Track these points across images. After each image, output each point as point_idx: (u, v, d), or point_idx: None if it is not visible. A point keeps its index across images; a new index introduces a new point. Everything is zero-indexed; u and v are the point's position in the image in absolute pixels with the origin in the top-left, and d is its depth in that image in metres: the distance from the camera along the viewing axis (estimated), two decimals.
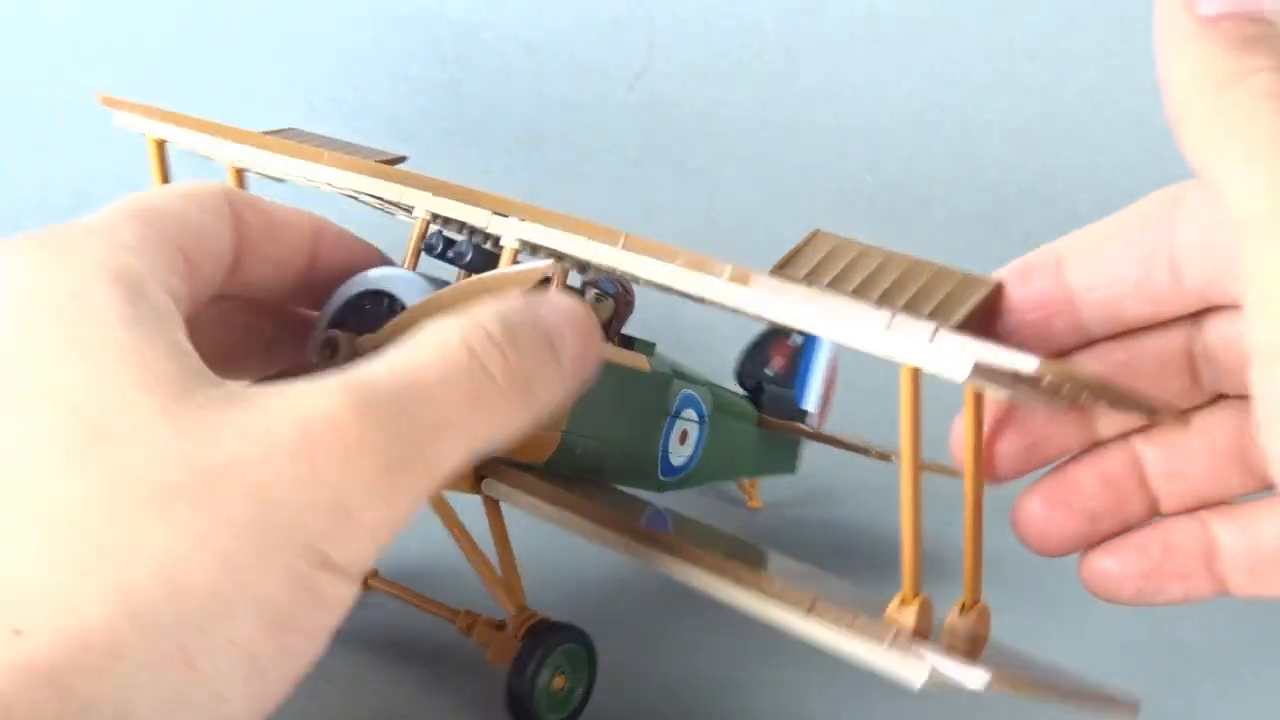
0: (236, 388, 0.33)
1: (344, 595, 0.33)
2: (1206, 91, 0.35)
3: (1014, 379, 0.35)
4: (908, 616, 0.39)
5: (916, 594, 0.39)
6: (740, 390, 0.61)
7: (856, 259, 0.41)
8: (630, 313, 0.51)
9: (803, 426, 0.61)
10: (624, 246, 0.42)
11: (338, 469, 0.32)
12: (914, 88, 0.93)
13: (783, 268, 0.42)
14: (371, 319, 0.45)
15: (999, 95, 0.93)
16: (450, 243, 0.48)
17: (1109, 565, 0.42)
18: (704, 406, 0.54)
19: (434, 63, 0.96)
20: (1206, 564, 0.41)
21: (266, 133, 0.54)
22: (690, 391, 0.53)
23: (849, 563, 0.59)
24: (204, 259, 0.39)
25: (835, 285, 0.40)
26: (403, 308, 0.44)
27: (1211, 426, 0.42)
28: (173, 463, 0.31)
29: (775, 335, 0.60)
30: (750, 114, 0.92)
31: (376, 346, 0.40)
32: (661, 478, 0.53)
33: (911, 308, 0.38)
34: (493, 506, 0.48)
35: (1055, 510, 0.42)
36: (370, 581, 0.53)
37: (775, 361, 0.60)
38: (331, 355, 0.43)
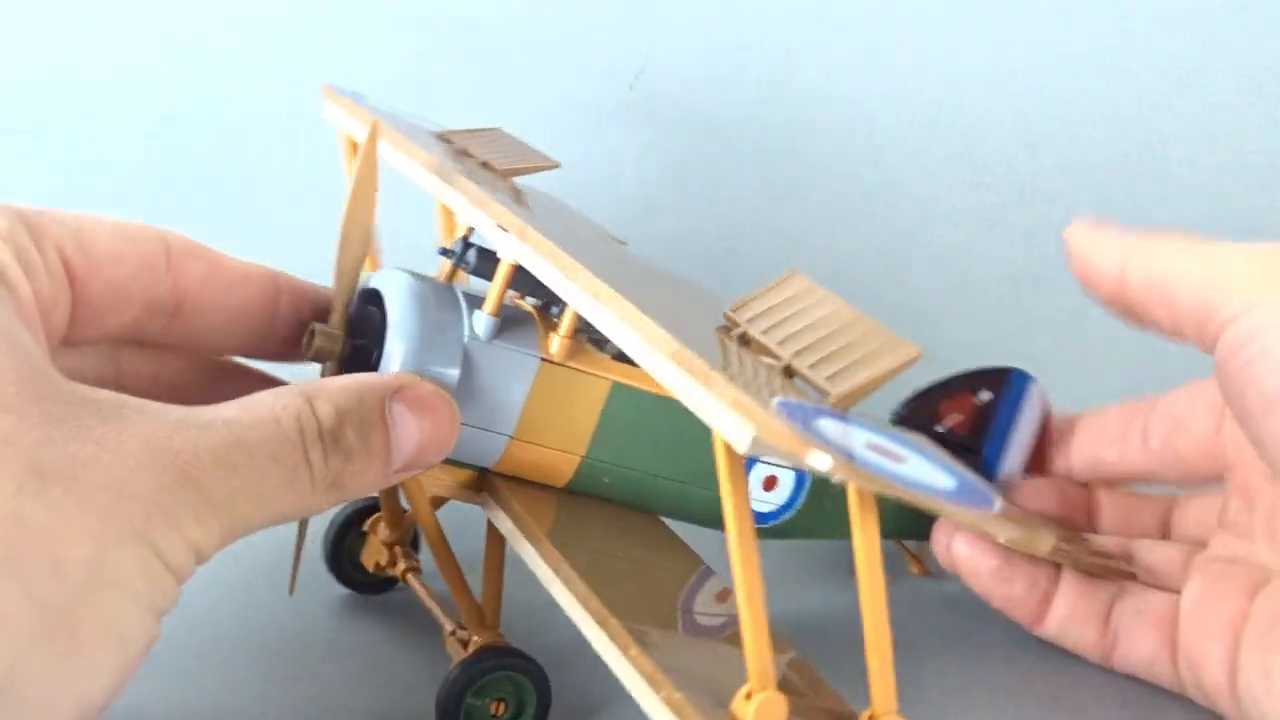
0: (87, 390, 0.36)
1: (171, 590, 0.36)
2: None
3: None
4: (747, 711, 0.36)
5: (765, 686, 0.36)
6: None
7: (810, 306, 0.42)
8: None
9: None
10: (599, 299, 0.41)
11: (168, 491, 0.35)
12: (914, 88, 0.93)
13: (740, 308, 0.44)
14: (367, 318, 0.46)
15: (999, 95, 0.93)
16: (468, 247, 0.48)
17: (961, 549, 0.50)
18: None
19: (434, 63, 0.96)
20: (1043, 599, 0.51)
21: (468, 131, 0.58)
22: None
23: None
24: (110, 283, 0.42)
25: (767, 333, 0.41)
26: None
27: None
28: (47, 446, 0.33)
29: (952, 387, 0.54)
30: (750, 114, 0.92)
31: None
32: None
33: (814, 368, 0.39)
34: (492, 525, 0.48)
35: (977, 545, 0.50)
36: (406, 575, 0.53)
37: (949, 418, 0.53)
38: (309, 346, 0.44)
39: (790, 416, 0.34)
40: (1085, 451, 0.54)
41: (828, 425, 0.34)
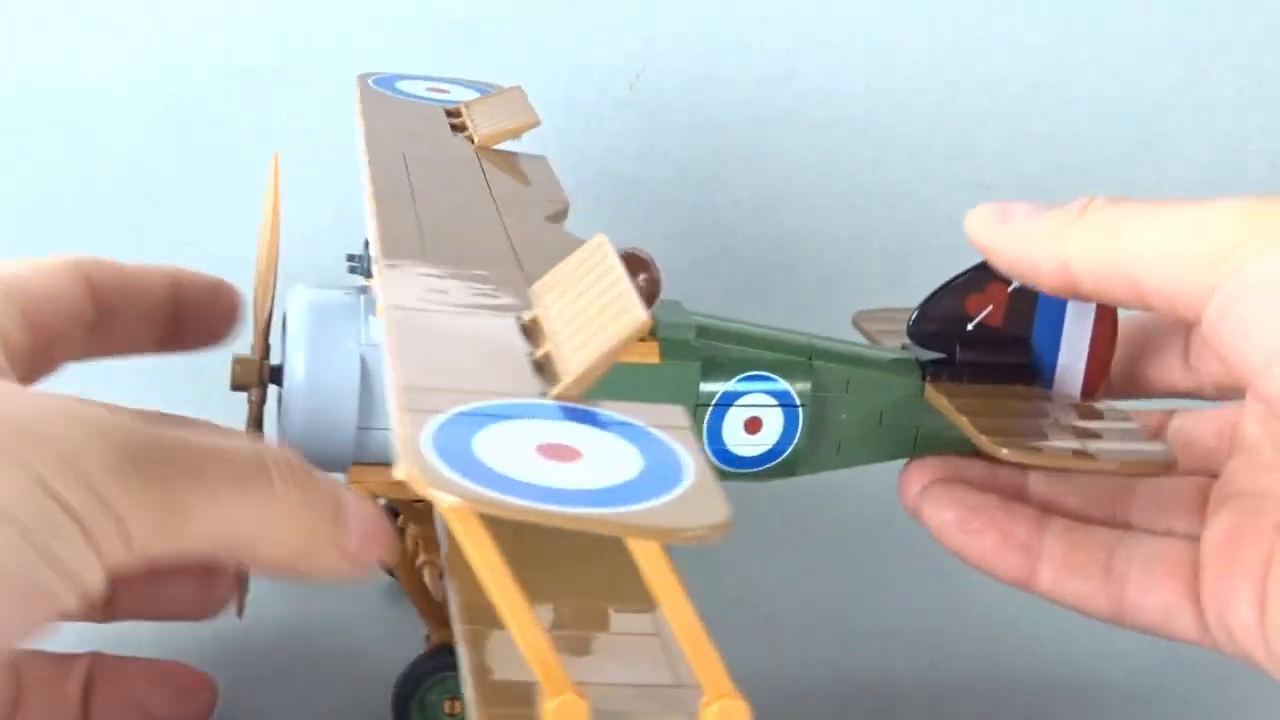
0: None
1: (65, 598, 0.32)
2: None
3: None
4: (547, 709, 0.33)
5: (721, 695, 0.34)
6: (887, 353, 0.51)
7: (595, 274, 0.40)
8: (643, 295, 0.49)
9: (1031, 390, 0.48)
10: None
11: (82, 441, 0.33)
12: (914, 87, 0.93)
13: (544, 286, 0.41)
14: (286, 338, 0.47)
15: (999, 95, 0.93)
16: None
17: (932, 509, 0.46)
18: (788, 389, 0.49)
19: (434, 63, 0.96)
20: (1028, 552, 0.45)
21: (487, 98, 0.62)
22: (761, 374, 0.48)
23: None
24: (52, 317, 0.43)
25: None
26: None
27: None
28: None
29: (979, 279, 0.48)
30: (750, 114, 0.92)
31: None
32: (732, 469, 0.49)
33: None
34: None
35: (937, 495, 0.46)
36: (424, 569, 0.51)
37: (982, 314, 0.47)
38: (232, 378, 0.48)
39: (443, 444, 0.31)
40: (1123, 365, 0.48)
41: (480, 440, 0.31)
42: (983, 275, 0.46)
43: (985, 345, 0.47)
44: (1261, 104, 0.94)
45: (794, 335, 0.50)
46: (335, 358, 0.47)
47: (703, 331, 0.48)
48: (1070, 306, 0.46)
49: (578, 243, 0.43)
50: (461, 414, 0.32)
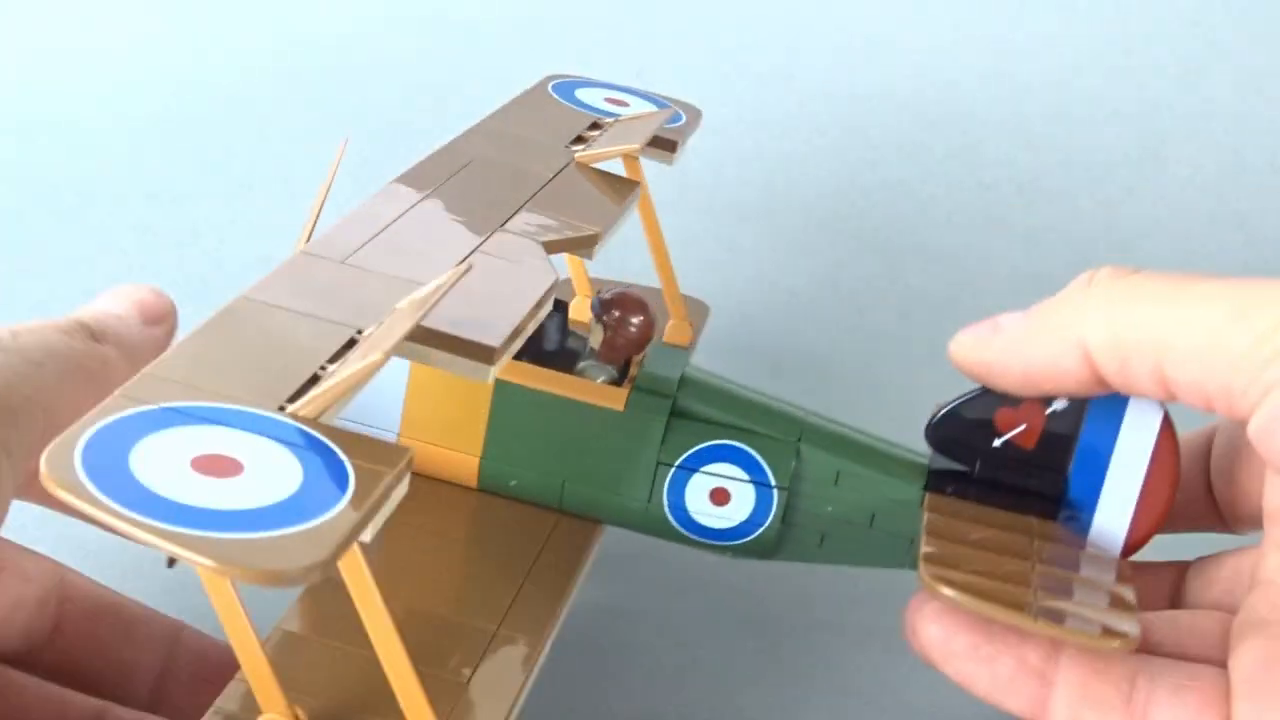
0: None
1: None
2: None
3: None
4: None
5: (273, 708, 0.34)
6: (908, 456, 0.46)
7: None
8: (632, 339, 0.47)
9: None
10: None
11: None
12: (914, 87, 0.93)
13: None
14: None
15: (999, 95, 0.93)
16: None
17: (934, 631, 0.39)
18: (762, 468, 0.46)
19: (434, 63, 0.96)
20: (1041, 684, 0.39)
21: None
22: (736, 445, 0.46)
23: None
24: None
25: None
26: None
27: None
28: None
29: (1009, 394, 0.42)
30: (750, 114, 0.92)
31: None
32: (694, 537, 0.47)
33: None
34: None
35: (948, 621, 0.39)
36: None
37: (1013, 433, 0.41)
38: None
39: (102, 443, 0.29)
40: None
41: (147, 444, 0.30)
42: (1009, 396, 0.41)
43: (1012, 467, 0.41)
44: (1261, 104, 0.94)
45: (791, 411, 0.47)
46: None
47: (686, 386, 0.46)
48: (1120, 450, 0.40)
49: (539, 274, 0.42)
50: (160, 410, 0.31)
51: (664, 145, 0.59)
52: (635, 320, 0.47)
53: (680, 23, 0.95)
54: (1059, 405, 0.40)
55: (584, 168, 0.53)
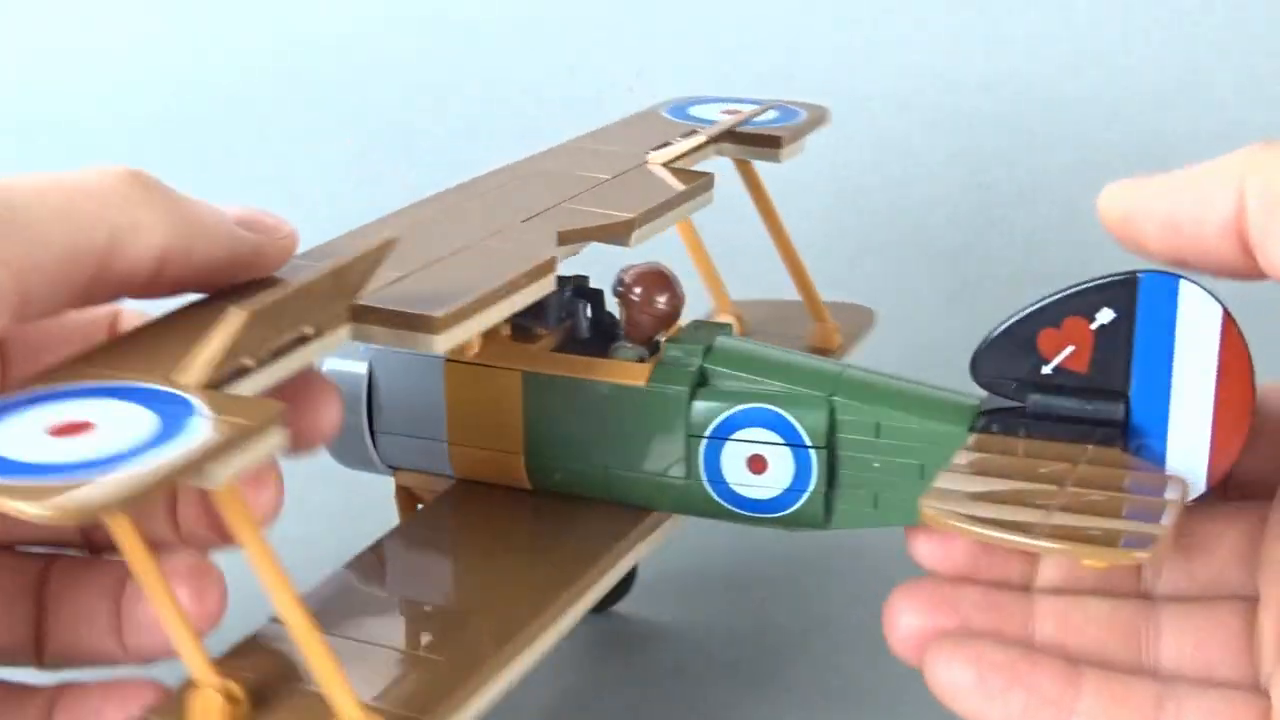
0: None
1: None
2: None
3: None
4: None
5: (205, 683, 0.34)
6: (965, 400, 0.42)
7: None
8: (656, 315, 0.46)
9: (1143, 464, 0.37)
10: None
11: None
12: (914, 87, 0.93)
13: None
14: None
15: (999, 95, 0.93)
16: None
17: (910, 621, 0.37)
18: (795, 429, 0.43)
19: (434, 63, 0.96)
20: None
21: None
22: (765, 408, 0.43)
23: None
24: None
25: None
26: None
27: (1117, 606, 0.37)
28: None
29: (1053, 312, 0.37)
30: None
31: None
32: (742, 511, 0.44)
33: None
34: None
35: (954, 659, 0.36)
36: None
37: (1062, 356, 0.37)
38: None
39: None
40: None
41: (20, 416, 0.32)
42: (1057, 307, 0.37)
43: (1068, 395, 0.37)
44: (1262, 104, 0.93)
45: (825, 366, 0.44)
46: (346, 364, 0.48)
47: (713, 355, 0.44)
48: (1180, 360, 0.35)
49: (530, 257, 0.41)
50: (31, 394, 0.33)
51: (763, 142, 0.57)
52: (657, 297, 0.46)
53: (680, 23, 0.95)
54: (1104, 318, 0.36)
55: (654, 168, 0.52)
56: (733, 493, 0.44)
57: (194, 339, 0.34)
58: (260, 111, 0.90)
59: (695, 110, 0.61)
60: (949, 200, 0.87)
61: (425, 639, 0.39)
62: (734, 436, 0.43)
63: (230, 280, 0.40)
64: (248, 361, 0.34)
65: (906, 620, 0.38)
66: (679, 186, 0.50)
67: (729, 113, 0.60)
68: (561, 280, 0.46)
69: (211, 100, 0.91)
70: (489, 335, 0.45)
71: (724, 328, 0.46)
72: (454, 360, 0.46)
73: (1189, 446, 0.36)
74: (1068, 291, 0.36)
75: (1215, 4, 0.95)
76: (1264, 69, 0.94)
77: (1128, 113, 0.92)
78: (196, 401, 0.32)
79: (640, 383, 0.44)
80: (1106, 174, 0.93)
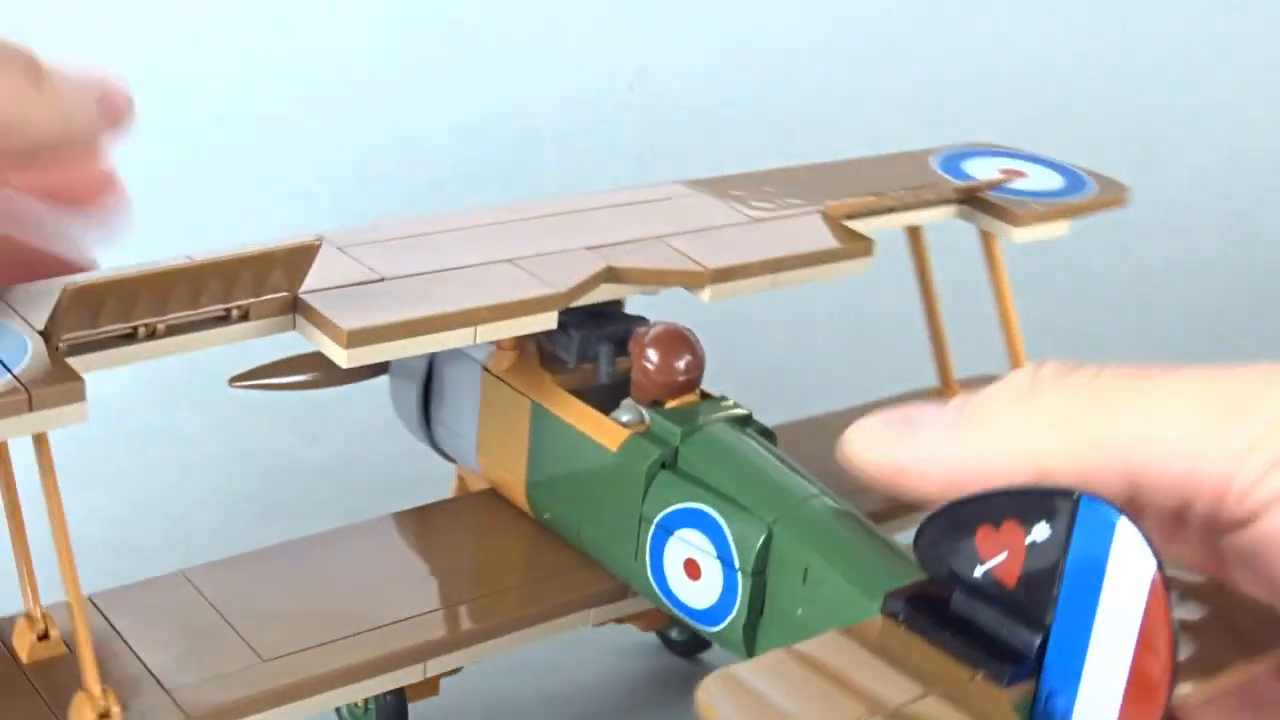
0: None
1: None
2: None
3: None
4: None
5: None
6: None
7: None
8: (655, 380, 0.41)
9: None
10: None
11: None
12: (914, 87, 0.93)
13: None
14: None
15: (999, 95, 0.93)
16: None
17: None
18: (729, 546, 0.38)
19: (434, 63, 0.96)
20: None
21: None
22: (708, 512, 0.39)
23: None
24: None
25: None
26: None
27: None
28: None
29: (996, 505, 0.30)
30: (750, 114, 0.92)
31: None
32: (679, 613, 0.40)
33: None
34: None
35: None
36: None
37: (994, 562, 0.30)
38: None
39: None
40: None
41: None
42: (1000, 504, 0.30)
43: (996, 606, 0.30)
44: (1261, 104, 0.94)
45: (793, 486, 0.38)
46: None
47: (694, 438, 0.40)
48: (1104, 607, 0.28)
49: (526, 287, 0.40)
50: None
51: (995, 211, 0.49)
52: (664, 361, 0.41)
53: (680, 23, 0.95)
54: (1039, 534, 0.29)
55: (816, 219, 0.47)
56: (670, 590, 0.40)
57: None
58: (261, 112, 0.90)
59: (970, 164, 0.54)
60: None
61: (278, 635, 0.39)
62: (678, 533, 0.39)
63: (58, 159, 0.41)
64: (128, 328, 0.36)
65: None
66: (817, 246, 0.45)
67: (1008, 171, 0.53)
68: (601, 316, 0.44)
69: (212, 100, 0.91)
70: (525, 354, 0.44)
71: (727, 411, 0.41)
72: (489, 371, 0.45)
73: (1092, 710, 0.29)
74: (1012, 489, 0.30)
75: (1215, 4, 0.95)
76: (1264, 69, 0.94)
77: (1128, 113, 0.92)
78: (17, 365, 0.34)
79: (612, 447, 0.41)
80: (1107, 174, 0.93)
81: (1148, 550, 0.28)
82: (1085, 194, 0.53)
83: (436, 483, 0.49)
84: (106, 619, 0.39)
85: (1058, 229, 0.50)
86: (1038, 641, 0.29)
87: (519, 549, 0.44)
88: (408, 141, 0.90)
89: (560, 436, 0.43)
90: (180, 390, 0.62)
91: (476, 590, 0.42)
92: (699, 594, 0.39)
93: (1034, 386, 0.30)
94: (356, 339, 0.37)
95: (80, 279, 0.35)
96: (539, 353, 0.44)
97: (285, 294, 0.38)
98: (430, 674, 0.40)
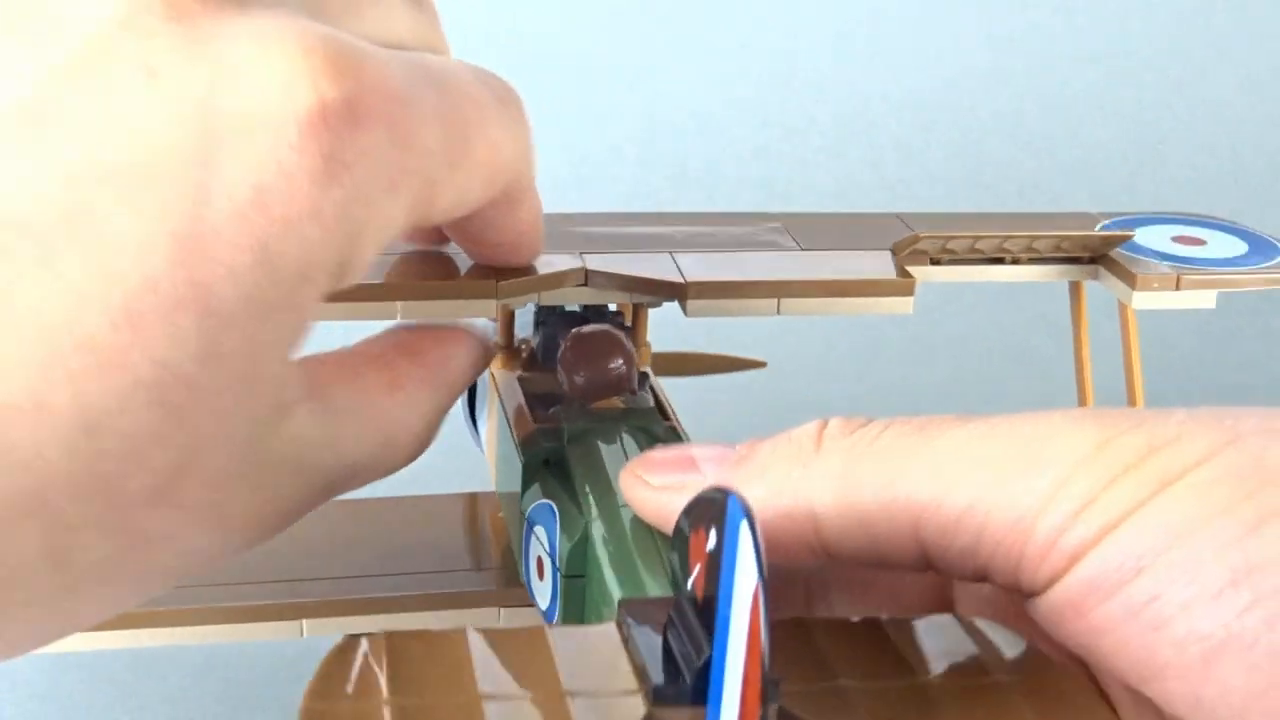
0: None
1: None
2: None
3: None
4: None
5: None
6: None
7: None
8: (578, 384, 0.39)
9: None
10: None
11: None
12: (914, 87, 0.93)
13: None
14: None
15: (998, 94, 0.93)
16: None
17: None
18: (556, 541, 0.35)
19: None
20: None
21: None
22: (550, 505, 0.36)
23: None
24: None
25: None
26: None
27: None
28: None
29: (692, 516, 0.26)
30: (750, 114, 0.92)
31: None
32: (540, 610, 0.37)
33: None
34: None
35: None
36: None
37: (695, 574, 0.26)
38: None
39: None
40: None
41: None
42: (694, 511, 0.26)
43: (695, 622, 0.26)
44: (1261, 104, 0.94)
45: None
46: None
47: (586, 436, 0.38)
48: (734, 615, 0.24)
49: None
50: None
51: (1118, 272, 0.44)
52: (618, 363, 0.40)
53: (680, 23, 0.95)
54: (712, 542, 0.25)
55: (892, 255, 0.44)
56: (530, 588, 0.38)
57: None
58: None
59: (1143, 235, 0.48)
60: (949, 200, 0.87)
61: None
62: (534, 529, 0.37)
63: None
64: None
65: None
66: (845, 277, 0.42)
67: (1184, 240, 0.48)
68: (582, 319, 0.43)
69: None
70: (512, 354, 0.44)
71: (644, 415, 0.39)
72: (492, 375, 0.44)
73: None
74: (702, 493, 0.26)
75: (1215, 4, 0.95)
76: (1264, 69, 0.94)
77: (1128, 113, 0.92)
78: None
79: (518, 437, 0.39)
80: (1107, 174, 0.93)
81: (753, 564, 0.24)
82: (1255, 266, 0.46)
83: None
84: None
85: (1199, 299, 0.43)
86: (700, 663, 0.25)
87: (460, 541, 0.44)
88: None
89: (503, 432, 0.41)
90: None
91: (389, 569, 0.42)
92: (543, 594, 0.36)
93: (818, 443, 0.28)
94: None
95: None
96: (531, 354, 0.44)
97: None
98: (306, 634, 0.40)
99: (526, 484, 0.38)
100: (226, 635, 0.40)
